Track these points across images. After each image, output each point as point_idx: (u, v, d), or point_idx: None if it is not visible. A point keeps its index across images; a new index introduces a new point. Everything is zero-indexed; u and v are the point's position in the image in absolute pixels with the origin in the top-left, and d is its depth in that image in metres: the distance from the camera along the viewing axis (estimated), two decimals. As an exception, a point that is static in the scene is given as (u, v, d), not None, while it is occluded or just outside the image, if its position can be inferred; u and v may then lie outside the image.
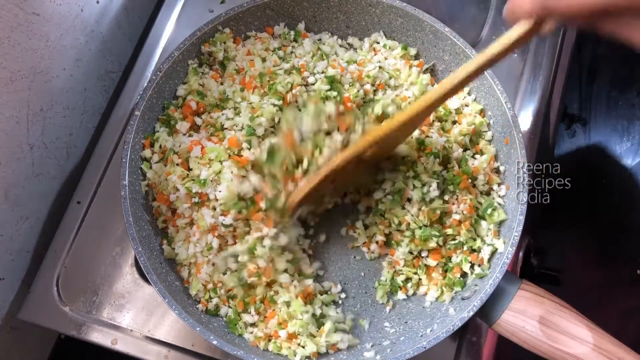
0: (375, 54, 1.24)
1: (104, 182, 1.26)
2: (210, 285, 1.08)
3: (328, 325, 1.06)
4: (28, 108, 1.12)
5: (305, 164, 1.01)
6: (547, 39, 1.37)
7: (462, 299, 1.06)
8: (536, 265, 1.27)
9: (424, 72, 1.23)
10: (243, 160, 1.09)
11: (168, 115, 1.14)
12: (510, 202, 1.10)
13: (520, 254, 1.26)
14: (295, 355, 1.04)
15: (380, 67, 1.20)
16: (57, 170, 1.28)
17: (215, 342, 0.97)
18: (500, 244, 1.07)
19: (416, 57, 1.24)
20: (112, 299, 1.18)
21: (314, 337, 1.05)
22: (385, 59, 1.23)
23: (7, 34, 1.01)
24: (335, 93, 1.15)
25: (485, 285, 1.01)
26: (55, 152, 1.25)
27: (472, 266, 1.09)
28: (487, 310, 1.01)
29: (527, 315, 0.98)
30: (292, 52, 1.23)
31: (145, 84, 1.14)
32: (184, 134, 1.14)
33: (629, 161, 1.52)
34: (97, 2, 1.26)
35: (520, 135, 1.09)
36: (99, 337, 1.17)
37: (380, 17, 1.21)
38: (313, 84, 1.17)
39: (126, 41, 1.43)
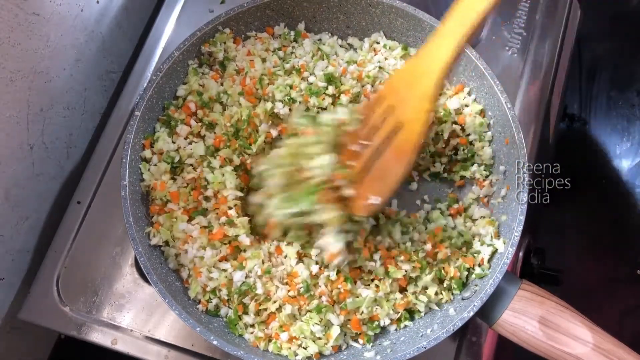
0: (375, 54, 1.24)
1: (104, 182, 1.26)
2: (209, 288, 1.07)
3: (336, 331, 1.05)
4: (28, 108, 1.12)
5: None
6: (547, 38, 1.37)
7: (462, 299, 1.06)
8: (536, 265, 1.27)
9: None
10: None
11: (168, 116, 1.14)
12: (510, 202, 1.10)
13: (520, 254, 1.26)
14: (296, 356, 1.04)
15: (380, 67, 1.20)
16: (57, 170, 1.28)
17: (215, 342, 0.97)
18: (500, 244, 1.07)
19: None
20: (112, 299, 1.18)
21: (320, 339, 1.05)
22: (386, 59, 1.23)
23: (7, 34, 1.01)
24: (333, 88, 1.15)
25: (485, 286, 1.01)
26: (55, 152, 1.25)
27: (470, 268, 1.09)
28: (488, 311, 1.01)
29: (528, 315, 0.98)
30: (292, 53, 1.23)
31: (145, 84, 1.14)
32: (185, 138, 1.14)
33: (628, 161, 1.53)
34: (97, 2, 1.26)
35: (520, 135, 1.09)
36: (99, 337, 1.17)
37: (380, 17, 1.21)
38: (311, 84, 1.17)
39: (126, 41, 1.43)
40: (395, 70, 1.20)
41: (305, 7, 1.22)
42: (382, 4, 1.18)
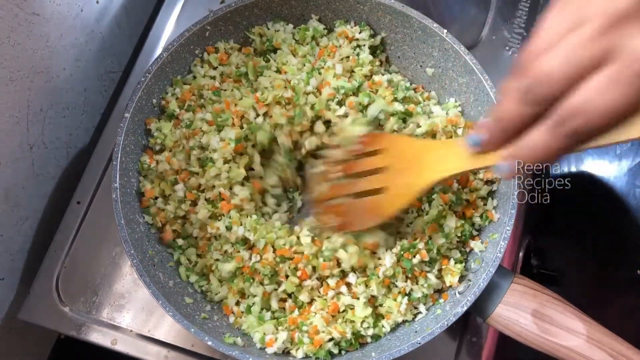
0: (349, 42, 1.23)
1: (104, 182, 1.26)
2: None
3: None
4: (28, 108, 1.13)
5: None
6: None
7: (458, 293, 1.06)
8: (536, 265, 1.27)
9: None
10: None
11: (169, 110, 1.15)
12: (502, 196, 1.10)
13: (520, 254, 1.25)
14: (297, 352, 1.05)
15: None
16: (57, 170, 1.28)
17: (210, 343, 0.97)
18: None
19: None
20: (112, 299, 1.19)
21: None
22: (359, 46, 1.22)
23: (7, 34, 1.02)
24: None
25: (478, 280, 1.00)
26: (55, 152, 1.25)
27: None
28: (481, 305, 1.00)
29: (521, 308, 0.97)
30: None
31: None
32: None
33: (628, 161, 1.51)
34: (97, 2, 1.27)
35: (516, 131, 1.08)
36: (99, 337, 1.17)
37: (368, 14, 1.19)
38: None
39: (126, 41, 1.43)
40: (412, 138, 1.14)
41: (293, 6, 1.21)
42: (370, 1, 1.17)
